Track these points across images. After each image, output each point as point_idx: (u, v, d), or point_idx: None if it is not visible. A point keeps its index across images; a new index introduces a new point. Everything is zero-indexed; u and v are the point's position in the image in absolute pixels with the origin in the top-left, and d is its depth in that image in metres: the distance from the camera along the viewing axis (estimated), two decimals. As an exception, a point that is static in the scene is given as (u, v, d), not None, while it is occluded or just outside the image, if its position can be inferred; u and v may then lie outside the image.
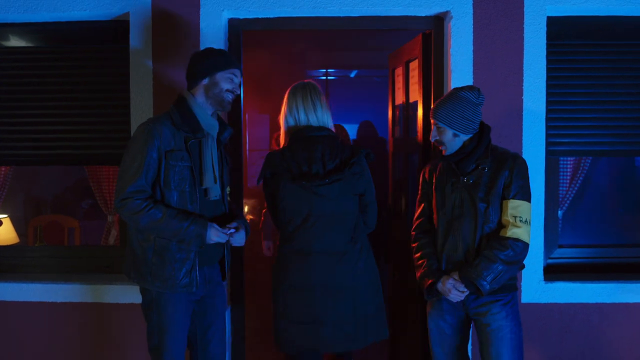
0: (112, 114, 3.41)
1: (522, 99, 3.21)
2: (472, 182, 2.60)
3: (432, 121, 2.65)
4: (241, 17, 3.35)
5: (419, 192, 2.86)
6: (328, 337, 2.70)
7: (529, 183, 2.60)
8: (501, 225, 2.58)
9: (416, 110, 3.58)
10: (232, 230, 2.63)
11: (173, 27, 3.26)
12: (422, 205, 2.82)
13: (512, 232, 2.52)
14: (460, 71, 3.21)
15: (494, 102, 3.19)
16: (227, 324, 3.37)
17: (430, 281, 2.66)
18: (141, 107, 3.28)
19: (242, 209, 3.42)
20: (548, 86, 3.24)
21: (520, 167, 2.57)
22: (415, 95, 3.59)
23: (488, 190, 2.57)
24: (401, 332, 3.96)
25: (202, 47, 3.23)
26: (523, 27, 3.20)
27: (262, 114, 7.97)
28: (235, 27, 3.37)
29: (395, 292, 4.10)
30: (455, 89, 2.62)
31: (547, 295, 3.31)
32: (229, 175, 2.83)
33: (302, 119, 2.82)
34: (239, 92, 2.69)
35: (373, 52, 7.41)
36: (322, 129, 2.79)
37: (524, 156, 3.18)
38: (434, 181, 2.75)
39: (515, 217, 2.51)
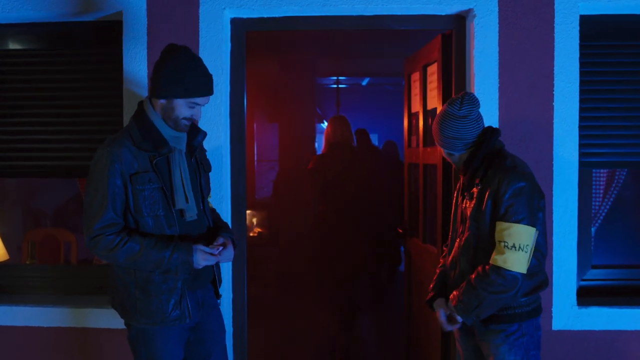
0: (104, 122, 3.19)
1: (552, 105, 2.95)
2: (468, 199, 2.43)
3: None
4: (245, 16, 3.11)
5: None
6: None
7: (525, 202, 2.23)
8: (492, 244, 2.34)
9: (434, 117, 3.26)
10: (220, 249, 2.37)
11: (170, 27, 3.03)
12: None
13: (493, 258, 2.26)
14: (484, 75, 2.96)
15: (521, 109, 2.95)
16: (229, 351, 3.07)
17: (430, 295, 2.57)
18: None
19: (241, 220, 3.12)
20: (581, 91, 2.98)
21: (510, 183, 2.24)
22: (434, 101, 3.38)
23: (477, 208, 2.35)
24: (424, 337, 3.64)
25: (201, 50, 3.02)
26: (553, 27, 2.95)
27: (272, 123, 7.77)
28: (239, 28, 3.14)
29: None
30: (445, 103, 2.46)
31: (581, 321, 3.03)
32: (207, 183, 2.57)
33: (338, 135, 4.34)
34: (198, 119, 2.40)
35: (386, 60, 7.30)
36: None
37: (555, 168, 2.95)
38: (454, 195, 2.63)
39: (499, 242, 2.24)
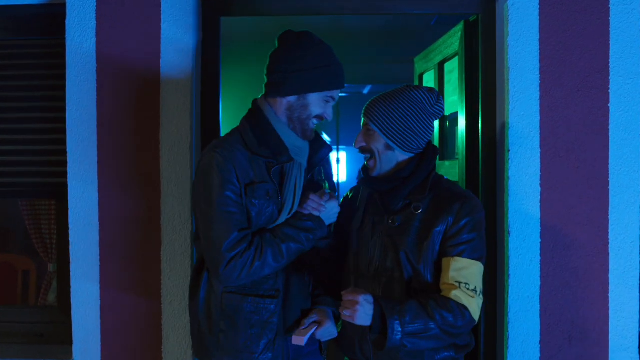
0: (46, 130, 2.66)
1: (608, 107, 2.42)
2: (398, 225, 1.93)
3: (363, 121, 2.03)
4: (219, -2, 2.56)
5: None
6: None
7: (483, 238, 1.93)
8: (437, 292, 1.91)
9: (455, 124, 2.89)
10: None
11: (125, 12, 2.49)
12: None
13: (455, 294, 1.83)
14: (521, 69, 2.41)
15: (568, 112, 2.42)
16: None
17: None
18: (81, 122, 2.51)
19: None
20: (644, 90, 2.45)
21: (472, 214, 1.89)
22: (455, 104, 2.88)
23: (416, 241, 1.90)
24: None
25: (164, 40, 2.46)
26: (609, 8, 2.41)
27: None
28: (211, 12, 2.57)
29: None
30: (408, 85, 2.02)
31: (644, 380, 2.45)
32: None
33: None
34: (330, 117, 2.03)
35: (388, 65, 6.91)
36: None
37: (611, 187, 2.41)
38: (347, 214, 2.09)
39: (459, 283, 1.85)
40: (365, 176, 2.02)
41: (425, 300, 1.82)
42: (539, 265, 2.38)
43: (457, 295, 1.82)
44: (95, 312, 2.49)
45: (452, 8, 2.56)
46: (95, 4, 2.47)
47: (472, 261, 1.86)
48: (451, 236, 1.87)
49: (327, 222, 1.97)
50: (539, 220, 2.38)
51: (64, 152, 2.52)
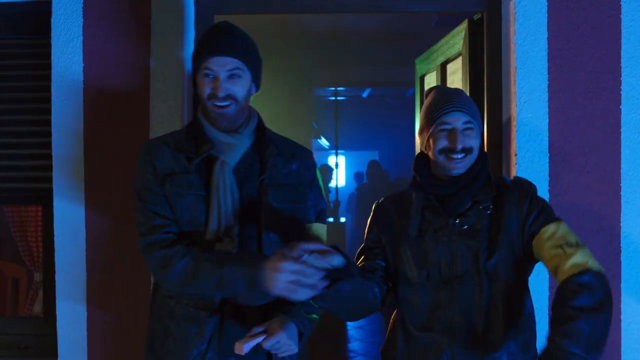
0: (31, 133, 2.58)
1: (619, 109, 2.35)
2: (467, 227, 1.83)
3: (444, 119, 1.82)
4: (212, -6, 2.49)
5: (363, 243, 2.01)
6: None
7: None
8: (520, 291, 1.83)
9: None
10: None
11: (116, 8, 2.42)
12: (368, 259, 1.96)
13: (569, 264, 1.67)
14: (528, 69, 2.34)
15: (579, 113, 2.35)
16: None
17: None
18: (66, 126, 2.43)
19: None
20: (658, 91, 2.38)
21: (529, 191, 1.86)
22: None
23: (493, 236, 1.81)
24: None
25: (153, 38, 2.39)
26: (620, 5, 2.34)
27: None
28: (205, 9, 2.49)
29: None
30: (447, 87, 2.00)
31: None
32: (272, 217, 1.89)
33: None
34: (224, 94, 1.80)
35: (388, 68, 6.96)
36: None
37: (623, 192, 2.37)
38: (391, 229, 1.93)
39: (559, 246, 1.72)
40: (428, 180, 1.88)
41: (556, 311, 1.65)
42: (547, 276, 2.30)
43: (575, 261, 1.68)
44: (82, 324, 2.41)
45: (455, 6, 2.48)
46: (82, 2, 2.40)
47: (556, 223, 1.78)
48: (525, 218, 1.80)
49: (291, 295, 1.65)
50: None
51: (51, 156, 2.45)
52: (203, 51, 1.81)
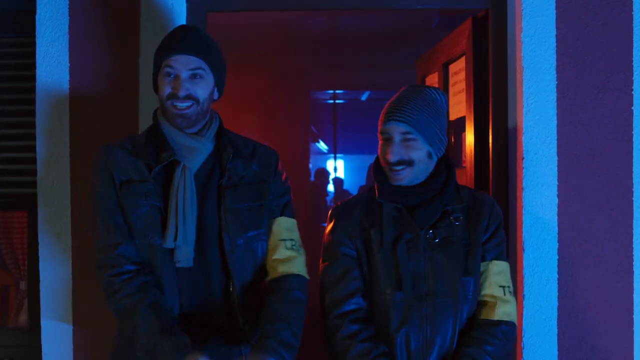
0: (16, 135, 2.49)
1: (631, 110, 2.28)
2: (439, 240, 1.82)
3: (384, 128, 1.81)
4: (205, -9, 2.41)
5: (333, 257, 1.90)
6: None
7: None
8: (479, 303, 1.87)
9: (462, 130, 2.78)
10: None
11: (101, 5, 2.33)
12: (348, 278, 1.87)
13: (502, 311, 1.81)
14: (535, 68, 2.26)
15: (589, 114, 2.28)
16: None
17: None
18: (53, 128, 2.34)
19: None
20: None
21: (500, 216, 1.91)
22: (461, 108, 2.78)
23: (470, 251, 1.83)
24: None
25: (143, 38, 2.31)
26: (632, 1, 2.27)
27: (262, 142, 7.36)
28: (197, 8, 2.39)
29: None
30: (415, 85, 1.92)
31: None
32: (238, 219, 1.83)
33: None
34: (185, 94, 1.74)
35: (387, 70, 6.87)
36: None
37: (635, 198, 2.30)
38: (364, 238, 1.88)
39: (503, 287, 1.83)
40: (391, 189, 1.84)
41: (476, 348, 1.77)
42: (557, 285, 2.24)
43: (505, 311, 1.80)
44: (67, 337, 2.33)
45: (459, 3, 2.42)
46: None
47: (506, 262, 1.88)
48: (487, 239, 1.85)
49: None
50: (557, 236, 2.23)
51: (28, 161, 2.39)
52: (165, 49, 1.77)
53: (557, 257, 2.23)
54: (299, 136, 6.90)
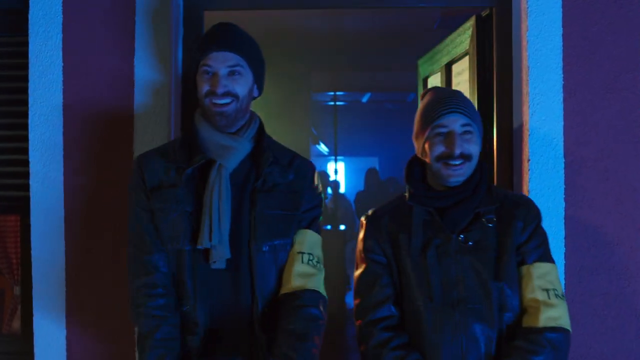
0: (8, 137, 2.46)
1: (639, 112, 2.25)
2: (472, 244, 1.77)
3: (442, 121, 1.74)
4: (202, -10, 2.39)
5: (363, 264, 1.88)
6: None
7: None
8: (522, 310, 1.79)
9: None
10: None
11: (95, 3, 2.30)
12: (378, 285, 1.85)
13: (547, 316, 1.71)
14: (541, 68, 2.24)
15: (596, 115, 2.26)
16: None
17: None
18: (46, 129, 2.32)
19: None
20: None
21: (538, 215, 1.85)
22: None
23: (500, 256, 1.77)
24: None
25: (138, 36, 2.30)
26: None
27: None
28: (194, 6, 2.38)
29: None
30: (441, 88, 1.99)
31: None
32: (266, 222, 1.82)
33: None
34: (223, 91, 1.75)
35: (388, 72, 6.90)
36: None
37: None
38: (392, 244, 1.84)
39: (547, 290, 1.75)
40: (422, 192, 1.81)
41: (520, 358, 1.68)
42: (564, 291, 2.14)
43: (550, 315, 1.70)
44: (60, 344, 2.30)
45: (463, 1, 2.39)
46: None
47: (552, 265, 1.80)
48: (525, 242, 1.78)
49: None
50: (563, 240, 2.20)
51: (20, 163, 2.36)
52: (202, 48, 1.77)
53: (564, 262, 2.20)
54: (300, 138, 6.81)
